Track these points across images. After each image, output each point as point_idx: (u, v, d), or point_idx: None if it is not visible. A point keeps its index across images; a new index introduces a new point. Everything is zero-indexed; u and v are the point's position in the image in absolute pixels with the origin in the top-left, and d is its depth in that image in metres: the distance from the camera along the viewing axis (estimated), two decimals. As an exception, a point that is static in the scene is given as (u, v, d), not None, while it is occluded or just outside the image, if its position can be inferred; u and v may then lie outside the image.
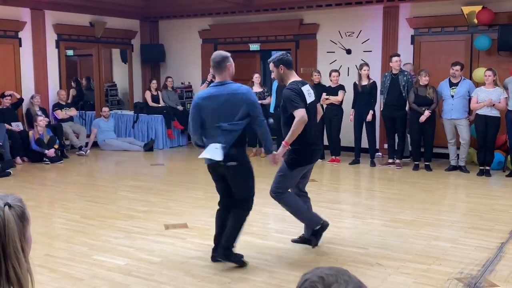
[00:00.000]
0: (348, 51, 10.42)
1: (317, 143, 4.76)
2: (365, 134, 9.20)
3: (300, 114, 4.38)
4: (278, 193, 4.63)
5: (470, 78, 8.93)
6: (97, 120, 11.29)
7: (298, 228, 5.51)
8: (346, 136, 9.58)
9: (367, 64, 9.19)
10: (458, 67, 8.37)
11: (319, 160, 9.56)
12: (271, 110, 9.93)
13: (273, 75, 4.70)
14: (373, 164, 9.08)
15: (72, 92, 12.38)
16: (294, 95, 4.43)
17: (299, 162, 4.59)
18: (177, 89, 11.96)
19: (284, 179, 4.64)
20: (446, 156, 8.80)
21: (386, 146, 9.38)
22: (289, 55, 4.67)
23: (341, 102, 9.34)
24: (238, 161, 4.28)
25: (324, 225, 4.79)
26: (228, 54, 4.41)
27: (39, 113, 9.94)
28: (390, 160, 9.00)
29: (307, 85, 4.63)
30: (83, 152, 10.39)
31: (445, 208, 6.53)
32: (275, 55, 4.68)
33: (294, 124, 4.39)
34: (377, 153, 9.62)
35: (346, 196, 7.43)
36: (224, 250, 4.36)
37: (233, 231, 4.38)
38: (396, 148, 8.97)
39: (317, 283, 1.15)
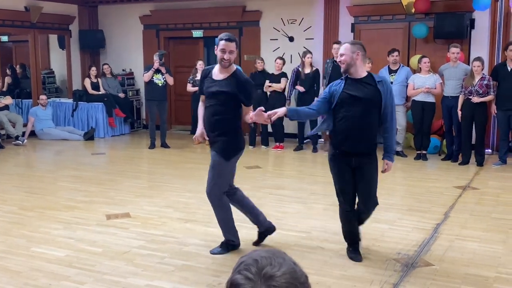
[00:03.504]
0: (291, 39, 10.50)
1: None
2: (308, 121, 9.31)
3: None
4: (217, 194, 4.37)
5: (408, 65, 9.21)
6: (34, 109, 10.91)
7: (242, 215, 5.54)
8: (290, 123, 9.67)
9: (310, 52, 9.30)
10: (396, 53, 8.63)
11: (263, 146, 9.69)
12: None
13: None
14: (315, 150, 9.23)
15: (7, 80, 11.92)
16: None
17: (236, 149, 4.35)
18: (118, 76, 11.71)
19: (221, 174, 4.34)
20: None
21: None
22: None
23: (284, 89, 9.42)
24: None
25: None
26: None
27: (-28, 101, 9.50)
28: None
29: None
30: (20, 142, 10.03)
31: (383, 191, 6.69)
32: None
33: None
34: (320, 139, 9.78)
35: (290, 181, 7.52)
36: None
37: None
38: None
39: (251, 265, 1.17)
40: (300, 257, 4.24)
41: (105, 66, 11.38)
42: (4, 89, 10.97)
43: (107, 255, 4.40)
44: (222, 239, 4.59)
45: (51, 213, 5.62)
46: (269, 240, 4.76)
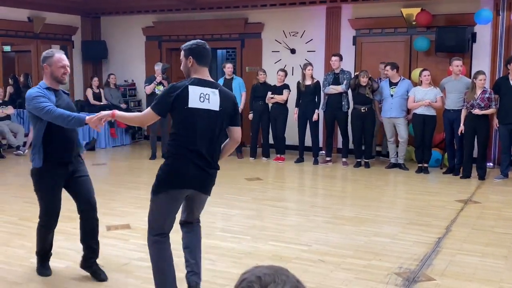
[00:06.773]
0: (293, 51, 10.52)
1: (196, 161, 3.38)
2: (309, 133, 9.31)
3: (145, 113, 3.56)
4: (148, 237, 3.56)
5: (409, 78, 9.22)
6: (36, 119, 10.90)
7: (242, 227, 5.53)
8: (291, 134, 9.68)
9: (310, 64, 9.31)
10: (388, 67, 8.67)
11: (264, 158, 9.67)
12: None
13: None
14: (316, 162, 9.23)
15: (10, 89, 11.95)
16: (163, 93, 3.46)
17: (166, 183, 3.40)
18: (120, 87, 11.73)
19: (151, 214, 3.51)
20: (386, 154, 9.06)
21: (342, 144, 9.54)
22: (206, 46, 3.49)
23: (286, 101, 9.43)
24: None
25: None
26: (51, 53, 3.94)
27: (-26, 111, 9.52)
28: (328, 158, 9.23)
29: (209, 88, 3.39)
30: (21, 152, 10.03)
31: (385, 204, 6.70)
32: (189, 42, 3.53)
33: (136, 115, 3.93)
34: (321, 151, 9.77)
35: (290, 193, 7.50)
36: None
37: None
38: (342, 146, 9.26)
39: (254, 283, 1.16)
40: (301, 271, 4.21)
41: (112, 76, 11.40)
42: (6, 99, 10.98)
43: (106, 267, 4.37)
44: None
45: (51, 223, 5.59)
46: (270, 253, 4.73)
